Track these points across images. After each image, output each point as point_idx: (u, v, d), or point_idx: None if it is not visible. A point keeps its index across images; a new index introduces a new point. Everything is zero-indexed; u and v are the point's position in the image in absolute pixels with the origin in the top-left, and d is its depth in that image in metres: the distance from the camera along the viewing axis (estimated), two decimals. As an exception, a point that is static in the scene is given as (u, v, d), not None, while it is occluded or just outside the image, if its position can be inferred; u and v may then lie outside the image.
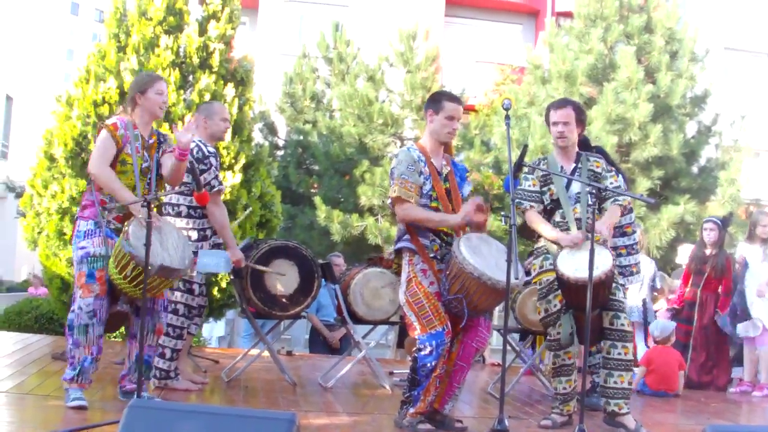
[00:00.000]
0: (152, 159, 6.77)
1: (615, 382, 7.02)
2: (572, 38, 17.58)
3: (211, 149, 7.84)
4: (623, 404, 7.01)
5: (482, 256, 6.32)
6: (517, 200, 7.15)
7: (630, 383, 7.12)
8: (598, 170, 7.32)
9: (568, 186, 7.22)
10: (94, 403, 6.64)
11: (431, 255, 6.53)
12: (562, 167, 7.27)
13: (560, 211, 7.18)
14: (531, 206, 7.23)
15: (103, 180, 6.51)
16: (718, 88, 18.26)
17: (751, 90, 26.88)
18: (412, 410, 6.46)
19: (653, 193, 16.06)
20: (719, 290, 10.65)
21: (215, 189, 7.61)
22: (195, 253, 7.42)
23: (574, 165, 7.30)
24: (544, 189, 7.26)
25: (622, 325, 7.02)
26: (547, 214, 7.25)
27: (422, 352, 6.38)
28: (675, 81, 16.56)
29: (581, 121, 7.40)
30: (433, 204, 6.57)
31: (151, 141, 6.80)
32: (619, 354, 7.02)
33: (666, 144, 16.10)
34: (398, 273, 6.76)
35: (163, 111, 6.91)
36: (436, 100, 6.69)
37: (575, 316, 6.99)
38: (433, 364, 6.36)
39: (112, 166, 6.56)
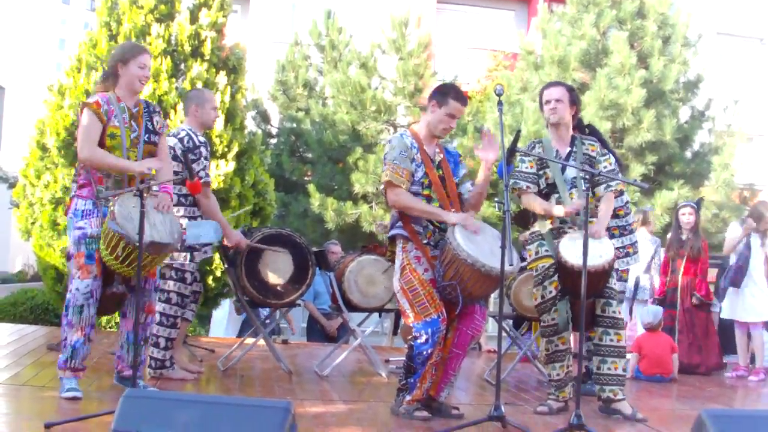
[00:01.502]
0: (140, 128, 6.68)
1: (608, 369, 7.05)
2: (565, 24, 17.55)
3: (202, 139, 7.82)
4: (618, 390, 7.03)
5: (476, 243, 6.31)
6: (513, 181, 7.16)
7: (624, 369, 7.13)
8: (593, 154, 7.29)
9: (563, 170, 7.20)
10: (90, 393, 6.64)
11: (425, 241, 6.52)
12: (557, 151, 7.24)
13: (556, 195, 7.15)
14: (528, 187, 7.20)
15: (96, 162, 6.45)
16: (710, 73, 18.24)
17: (744, 75, 26.87)
18: (408, 398, 6.47)
19: (647, 178, 16.07)
20: (697, 272, 10.72)
21: (202, 181, 7.55)
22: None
23: (569, 149, 7.27)
24: (540, 172, 7.23)
25: (614, 312, 7.04)
26: (543, 198, 7.23)
27: (418, 340, 6.38)
28: (668, 66, 16.54)
29: (574, 102, 7.35)
30: (425, 191, 6.56)
31: (136, 110, 6.71)
32: (612, 340, 7.05)
33: (659, 129, 16.09)
34: (392, 260, 6.76)
35: (143, 85, 6.79)
36: (444, 94, 6.65)
37: (572, 303, 7.00)
38: (428, 351, 6.36)
39: (101, 141, 6.48)
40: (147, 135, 6.73)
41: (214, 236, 7.74)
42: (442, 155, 6.76)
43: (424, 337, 6.35)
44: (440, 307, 6.41)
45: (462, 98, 6.66)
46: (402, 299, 6.52)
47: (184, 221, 7.64)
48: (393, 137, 6.71)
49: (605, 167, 7.23)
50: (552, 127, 7.33)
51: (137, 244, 6.06)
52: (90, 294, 6.42)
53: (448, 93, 6.64)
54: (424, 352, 6.37)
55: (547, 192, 7.21)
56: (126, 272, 6.44)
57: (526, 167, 7.25)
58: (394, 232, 6.64)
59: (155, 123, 6.80)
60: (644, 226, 11.02)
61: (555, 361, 7.17)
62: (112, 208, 6.30)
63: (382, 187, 6.65)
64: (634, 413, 6.93)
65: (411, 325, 6.46)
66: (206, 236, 7.69)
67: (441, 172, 6.69)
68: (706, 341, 10.72)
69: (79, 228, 6.49)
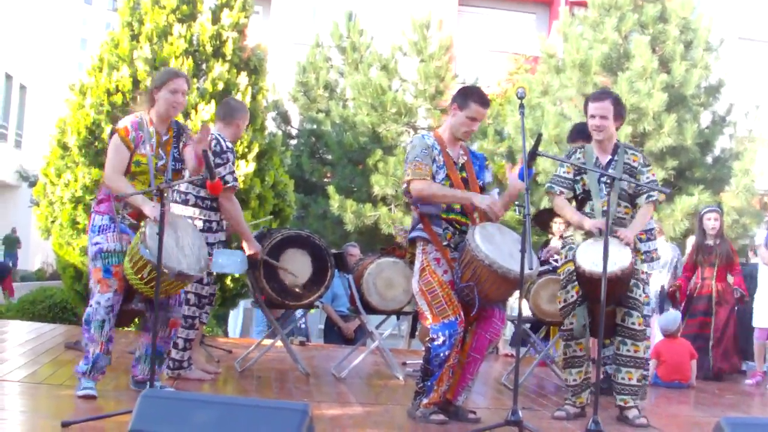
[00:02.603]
0: (168, 155, 6.69)
1: (623, 378, 7.07)
2: (586, 27, 17.48)
3: (230, 145, 7.80)
4: (629, 399, 7.04)
5: (495, 245, 6.31)
6: (548, 184, 7.22)
7: (639, 380, 7.09)
8: (635, 164, 7.19)
9: (600, 178, 7.15)
10: (108, 392, 6.65)
11: (444, 243, 6.51)
12: (597, 158, 7.20)
13: (590, 202, 7.12)
14: (561, 192, 7.18)
15: (115, 189, 6.46)
16: (732, 78, 18.14)
17: (766, 80, 26.75)
18: (425, 401, 6.46)
19: (667, 183, 15.96)
20: (731, 277, 10.69)
21: (229, 185, 7.53)
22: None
23: (609, 157, 7.22)
24: (577, 178, 7.20)
25: (633, 323, 7.01)
26: (579, 204, 7.21)
27: (435, 342, 6.38)
28: (689, 71, 16.46)
29: (620, 114, 7.28)
30: None
31: (166, 137, 6.72)
32: (628, 351, 7.05)
33: (680, 134, 16.01)
34: (412, 262, 6.75)
35: (178, 111, 6.79)
36: (465, 97, 6.63)
37: (590, 309, 6.98)
38: (446, 353, 6.35)
39: (128, 167, 6.52)
40: (174, 163, 6.75)
41: (239, 267, 7.76)
42: (466, 157, 6.75)
43: (441, 339, 6.35)
44: (458, 309, 6.40)
45: (484, 101, 6.63)
46: (420, 300, 6.52)
47: (199, 223, 7.55)
48: (415, 137, 6.73)
49: (647, 178, 7.16)
50: (595, 140, 7.28)
51: (165, 271, 6.08)
52: (110, 308, 6.43)
53: (469, 96, 6.62)
54: (441, 354, 6.36)
55: (583, 198, 7.18)
56: (149, 293, 6.41)
57: (564, 171, 7.24)
58: (414, 234, 6.63)
59: (181, 147, 6.81)
60: (660, 235, 11.02)
61: (572, 367, 7.16)
62: (143, 229, 6.29)
63: (404, 187, 6.63)
64: (634, 417, 6.96)
65: (429, 326, 6.46)
66: (232, 267, 7.71)
67: (464, 174, 6.67)
68: (736, 348, 10.74)
69: (96, 243, 6.51)
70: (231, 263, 7.64)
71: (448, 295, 6.42)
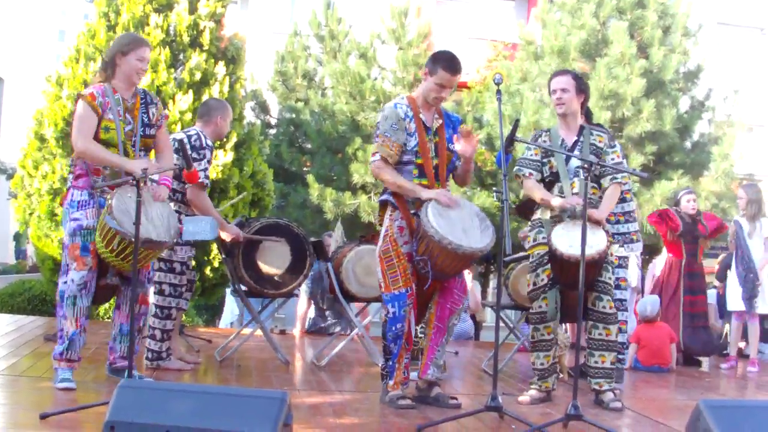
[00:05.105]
0: (135, 120, 6.64)
1: (596, 362, 7.06)
2: (565, 14, 17.48)
3: (209, 143, 7.79)
4: (604, 383, 7.03)
5: (448, 219, 6.35)
6: (516, 167, 7.21)
7: (613, 363, 7.09)
8: (600, 145, 7.22)
9: (567, 160, 7.16)
10: (87, 383, 6.64)
11: (412, 211, 6.54)
12: (563, 140, 7.22)
13: (559, 184, 7.11)
14: (530, 174, 7.18)
15: (89, 155, 6.41)
16: (711, 62, 18.17)
17: (744, 65, 26.81)
18: (390, 382, 6.54)
19: (646, 168, 16.00)
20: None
21: (200, 181, 7.48)
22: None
23: (575, 138, 7.25)
24: (545, 160, 7.20)
25: (604, 307, 6.99)
26: (546, 186, 7.19)
27: (388, 315, 6.49)
28: (668, 56, 16.48)
29: (582, 90, 7.31)
30: (419, 161, 6.59)
31: (132, 102, 6.66)
32: (600, 334, 7.03)
33: (659, 119, 16.04)
34: (381, 224, 6.76)
35: (141, 78, 6.74)
36: (434, 63, 6.64)
37: (561, 292, 7.00)
38: (398, 326, 6.47)
39: (96, 134, 6.43)
40: (143, 128, 6.69)
41: (210, 233, 7.73)
42: (441, 121, 6.76)
43: (392, 312, 6.46)
44: (410, 282, 6.49)
45: (453, 68, 6.62)
46: (378, 266, 6.62)
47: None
48: (386, 106, 6.69)
49: (612, 159, 7.18)
50: (559, 116, 7.31)
51: (133, 239, 6.03)
52: (84, 285, 6.41)
53: (438, 61, 6.63)
54: (394, 328, 6.47)
55: (551, 180, 7.17)
56: (120, 266, 6.43)
57: (531, 154, 7.24)
58: (384, 197, 6.70)
59: (151, 115, 6.76)
60: None
61: (539, 350, 7.15)
62: (109, 201, 6.26)
63: (372, 157, 6.63)
64: (609, 400, 6.95)
65: (381, 294, 6.57)
66: (203, 233, 7.69)
67: (437, 140, 6.70)
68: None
69: (75, 219, 6.46)
70: (201, 229, 7.62)
71: (403, 266, 6.50)
